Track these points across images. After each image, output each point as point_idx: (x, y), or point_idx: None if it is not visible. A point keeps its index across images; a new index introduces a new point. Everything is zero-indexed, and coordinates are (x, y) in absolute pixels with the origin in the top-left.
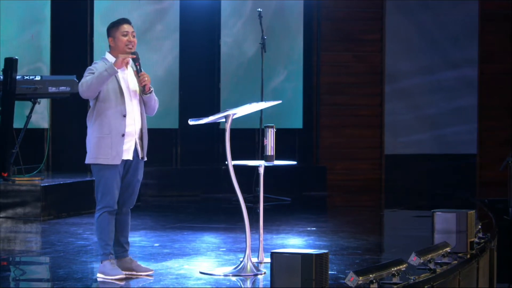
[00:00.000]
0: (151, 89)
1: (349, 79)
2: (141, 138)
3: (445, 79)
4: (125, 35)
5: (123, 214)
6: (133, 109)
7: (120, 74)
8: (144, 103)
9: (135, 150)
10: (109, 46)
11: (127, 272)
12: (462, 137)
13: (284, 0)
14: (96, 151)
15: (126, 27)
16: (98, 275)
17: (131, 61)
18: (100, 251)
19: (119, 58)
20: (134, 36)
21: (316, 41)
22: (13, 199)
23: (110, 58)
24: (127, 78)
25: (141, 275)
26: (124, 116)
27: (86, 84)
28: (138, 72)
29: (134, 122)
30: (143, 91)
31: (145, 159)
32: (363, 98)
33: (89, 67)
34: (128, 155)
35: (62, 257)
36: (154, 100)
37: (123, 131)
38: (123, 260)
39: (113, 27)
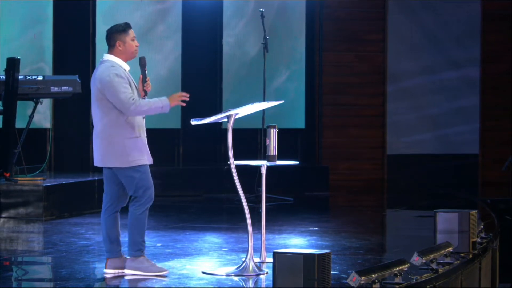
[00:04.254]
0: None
1: (351, 79)
2: None
3: (447, 79)
4: (133, 40)
5: (118, 212)
6: None
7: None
8: None
9: None
10: (112, 49)
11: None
12: (464, 137)
13: (286, 0)
14: (134, 153)
15: (133, 32)
16: (130, 271)
17: (128, 66)
18: (135, 247)
19: (175, 100)
20: None
21: (318, 41)
22: (15, 199)
23: (121, 62)
24: None
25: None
26: (143, 117)
27: (139, 110)
28: (144, 77)
29: None
30: (141, 96)
31: None
32: (366, 98)
33: (117, 77)
34: None
35: (64, 257)
36: None
37: (145, 132)
38: (122, 258)
39: (121, 32)
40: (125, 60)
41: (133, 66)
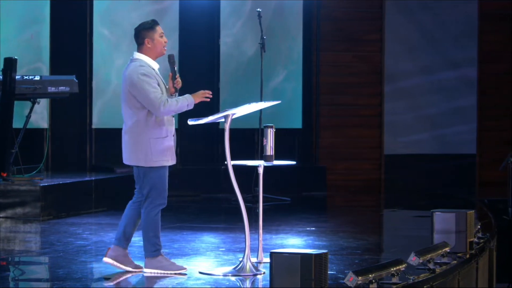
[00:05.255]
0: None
1: (349, 79)
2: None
3: (445, 79)
4: (161, 36)
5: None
6: None
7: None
8: None
9: None
10: (142, 47)
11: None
12: (462, 137)
13: (283, 0)
14: (158, 154)
15: (160, 29)
16: (150, 270)
17: (157, 65)
18: (152, 248)
19: (199, 96)
20: None
21: (315, 41)
22: (12, 199)
23: (150, 61)
24: None
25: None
26: (173, 117)
27: (168, 110)
28: (174, 75)
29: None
30: (171, 93)
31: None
32: (363, 98)
33: (146, 77)
34: None
35: (61, 257)
36: None
37: (173, 132)
38: (125, 252)
39: (149, 29)
40: (154, 58)
41: (162, 65)
